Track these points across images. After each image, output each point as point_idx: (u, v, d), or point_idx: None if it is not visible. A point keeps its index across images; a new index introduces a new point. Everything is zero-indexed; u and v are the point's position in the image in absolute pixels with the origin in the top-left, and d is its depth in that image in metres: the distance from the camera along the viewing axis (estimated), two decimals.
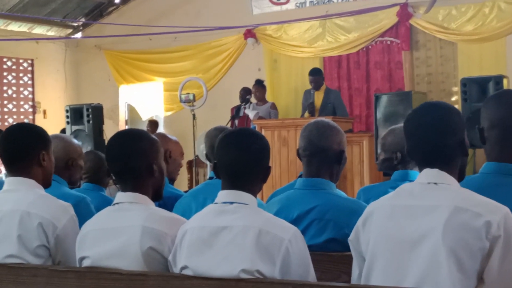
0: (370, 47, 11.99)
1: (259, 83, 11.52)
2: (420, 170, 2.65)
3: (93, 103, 9.61)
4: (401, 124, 2.86)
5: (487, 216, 2.40)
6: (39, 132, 3.47)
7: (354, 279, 2.72)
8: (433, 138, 2.60)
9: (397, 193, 2.65)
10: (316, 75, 10.61)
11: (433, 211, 2.47)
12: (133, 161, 3.02)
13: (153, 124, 13.45)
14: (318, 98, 10.54)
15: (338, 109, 10.29)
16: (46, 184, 3.45)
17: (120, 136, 3.12)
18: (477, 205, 2.44)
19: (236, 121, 11.20)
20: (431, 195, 2.53)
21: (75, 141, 4.58)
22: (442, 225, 2.41)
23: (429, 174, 2.60)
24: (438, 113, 2.64)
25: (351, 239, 2.72)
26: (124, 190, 3.03)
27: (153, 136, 3.17)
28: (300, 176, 3.66)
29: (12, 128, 3.50)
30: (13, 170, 3.37)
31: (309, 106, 10.38)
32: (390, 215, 2.57)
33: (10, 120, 13.69)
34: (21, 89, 14.05)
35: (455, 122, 2.64)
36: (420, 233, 2.46)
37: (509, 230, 2.41)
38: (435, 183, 2.56)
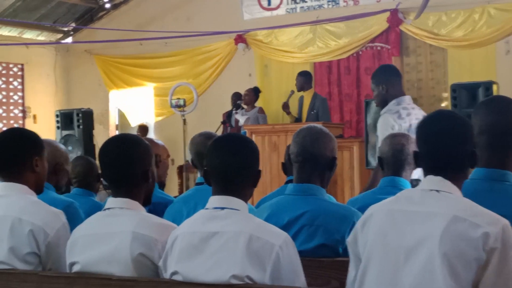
0: (360, 52, 12.02)
1: (254, 90, 11.51)
2: (424, 176, 2.64)
3: (83, 108, 9.59)
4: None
5: (485, 228, 2.38)
6: (33, 138, 3.46)
7: (350, 280, 2.71)
8: (447, 146, 2.59)
9: (398, 198, 2.65)
10: (300, 75, 10.68)
11: (431, 218, 2.46)
12: (131, 167, 3.01)
13: (143, 129, 13.43)
14: (306, 105, 10.59)
15: (322, 117, 10.25)
16: (38, 190, 3.43)
17: (116, 142, 3.11)
18: (476, 215, 2.43)
19: (229, 128, 11.22)
20: (431, 202, 2.52)
21: (62, 146, 4.57)
22: (439, 234, 2.41)
23: (432, 181, 2.59)
24: (453, 123, 2.63)
25: (349, 240, 2.72)
26: (115, 195, 3.02)
27: (146, 141, 3.17)
28: (288, 181, 3.67)
29: (5, 133, 3.49)
30: (5, 175, 3.35)
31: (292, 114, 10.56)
32: (388, 219, 2.57)
33: (0, 125, 13.65)
34: (11, 93, 14.01)
35: (469, 133, 2.65)
36: (417, 239, 2.45)
37: (507, 242, 2.39)
38: (437, 191, 2.55)
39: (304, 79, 10.73)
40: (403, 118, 5.43)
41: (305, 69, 11.62)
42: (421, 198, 2.56)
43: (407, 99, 5.61)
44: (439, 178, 2.58)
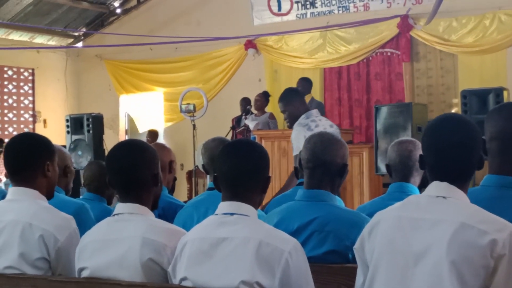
0: (370, 58, 12.02)
1: (265, 95, 11.51)
2: (430, 182, 2.62)
3: (93, 113, 9.61)
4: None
5: (493, 234, 2.37)
6: (45, 142, 3.46)
7: (358, 287, 2.71)
8: (457, 155, 2.57)
9: (404, 204, 2.63)
10: (301, 80, 10.67)
11: (439, 225, 2.45)
12: (140, 172, 3.02)
13: (153, 134, 13.44)
14: None
15: None
16: (49, 195, 3.43)
17: (123, 148, 3.11)
18: (484, 222, 2.42)
19: (235, 133, 11.22)
20: (438, 209, 2.51)
21: (64, 148, 4.62)
22: (447, 241, 2.40)
23: (439, 187, 2.57)
24: (464, 130, 2.60)
25: (356, 247, 2.71)
26: (124, 201, 3.02)
27: (156, 146, 3.18)
28: (300, 183, 3.66)
29: (17, 138, 3.49)
30: (17, 180, 3.35)
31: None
32: (396, 226, 2.56)
33: (10, 129, 13.70)
34: (22, 98, 14.07)
35: (479, 139, 2.63)
36: (424, 246, 2.44)
37: None
38: (444, 197, 2.54)
39: (305, 84, 10.70)
40: (312, 129, 6.07)
41: (315, 74, 11.65)
42: (428, 205, 2.55)
43: (314, 112, 6.41)
44: (445, 184, 2.56)
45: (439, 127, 2.66)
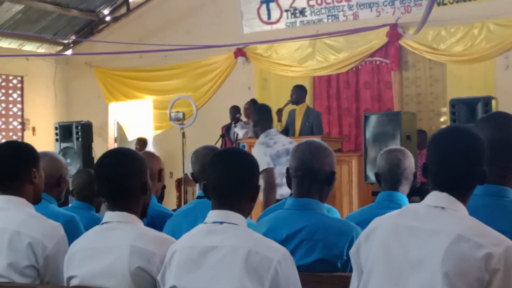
0: (359, 67, 12.05)
1: (254, 102, 11.54)
2: (430, 191, 2.61)
3: (82, 121, 9.61)
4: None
5: (488, 248, 2.37)
6: (29, 150, 3.46)
7: None
8: (461, 167, 2.56)
9: (403, 212, 2.63)
10: (297, 88, 10.67)
11: (435, 236, 2.44)
12: (128, 181, 3.01)
13: (142, 142, 13.41)
14: (298, 118, 10.57)
15: (316, 130, 10.20)
16: (36, 201, 3.43)
17: (112, 156, 3.11)
18: (480, 235, 2.41)
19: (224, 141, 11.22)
20: (436, 220, 2.50)
21: (61, 157, 4.59)
22: (442, 252, 2.39)
23: (438, 198, 2.57)
24: (470, 144, 2.60)
25: (352, 251, 2.71)
26: (113, 209, 3.02)
27: (145, 155, 3.17)
28: (290, 195, 3.66)
29: (1, 146, 3.48)
30: (3, 188, 3.34)
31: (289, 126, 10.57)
32: (392, 233, 2.56)
33: None
34: (11, 105, 14.03)
35: (483, 153, 2.62)
36: (420, 256, 2.44)
37: (510, 264, 2.38)
38: (442, 208, 2.53)
39: (300, 93, 10.70)
40: (271, 146, 7.00)
41: (304, 82, 11.62)
42: (426, 214, 2.54)
43: (272, 131, 7.20)
44: (444, 194, 2.56)
45: (444, 136, 2.66)
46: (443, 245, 2.41)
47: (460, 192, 2.58)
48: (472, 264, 2.36)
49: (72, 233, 3.55)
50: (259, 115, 7.23)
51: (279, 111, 10.81)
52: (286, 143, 7.04)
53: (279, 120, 10.85)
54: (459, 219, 2.50)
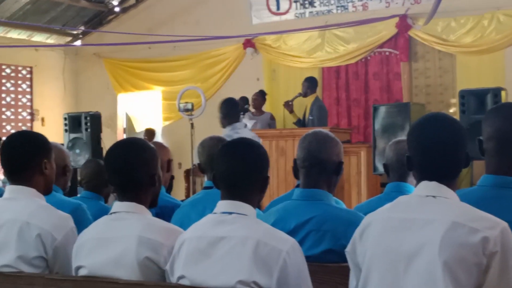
0: (369, 58, 12.02)
1: (262, 93, 11.57)
2: (418, 182, 2.63)
3: (91, 111, 9.59)
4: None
5: (484, 232, 2.38)
6: (41, 140, 3.44)
7: None
8: (443, 155, 2.57)
9: (395, 205, 2.64)
10: (304, 81, 10.71)
11: (430, 225, 2.45)
12: (138, 172, 3.01)
13: (150, 133, 13.44)
14: (307, 111, 10.60)
15: (317, 123, 10.17)
16: (47, 192, 3.43)
17: (121, 147, 3.11)
18: (475, 220, 2.42)
19: None
20: (429, 209, 2.51)
21: (63, 147, 4.62)
22: (439, 240, 2.40)
23: (428, 187, 2.57)
24: (448, 130, 2.61)
25: (348, 250, 2.71)
26: (122, 199, 3.02)
27: (151, 145, 3.16)
28: (297, 186, 3.66)
29: (13, 136, 3.47)
30: (14, 178, 3.34)
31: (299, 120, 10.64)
32: (387, 227, 2.56)
33: (8, 128, 13.69)
34: (20, 96, 14.06)
35: (464, 137, 2.63)
36: (416, 247, 2.44)
37: (506, 246, 2.39)
38: (434, 196, 2.54)
39: (308, 85, 10.74)
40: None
41: (313, 74, 11.62)
42: (418, 205, 2.55)
43: (238, 124, 7.47)
44: (434, 183, 2.57)
45: (424, 127, 2.66)
46: (439, 234, 2.41)
47: (448, 178, 2.59)
48: (470, 249, 2.37)
49: (80, 221, 3.55)
50: (226, 109, 7.49)
51: (286, 103, 10.82)
52: (249, 137, 6.96)
53: (291, 111, 10.85)
54: (452, 206, 2.51)
